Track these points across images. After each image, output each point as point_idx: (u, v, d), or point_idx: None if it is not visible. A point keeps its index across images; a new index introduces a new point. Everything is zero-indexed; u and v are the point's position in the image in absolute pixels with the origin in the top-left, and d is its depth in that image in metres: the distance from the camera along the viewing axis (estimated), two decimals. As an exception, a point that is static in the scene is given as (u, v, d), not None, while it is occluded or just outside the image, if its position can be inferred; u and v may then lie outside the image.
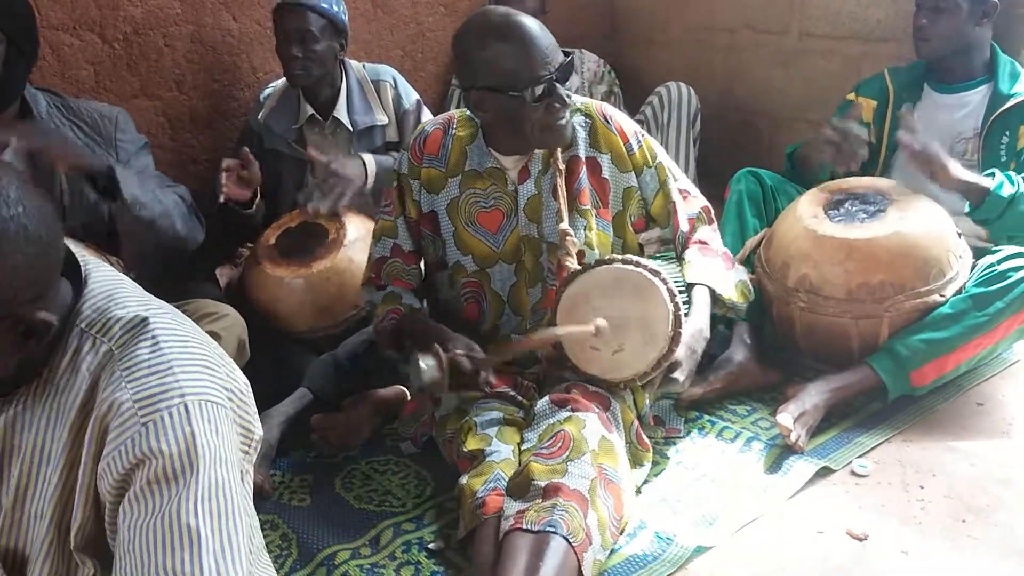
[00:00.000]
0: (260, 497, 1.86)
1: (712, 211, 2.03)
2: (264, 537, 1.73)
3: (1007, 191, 2.06)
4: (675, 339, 1.70)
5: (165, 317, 0.97)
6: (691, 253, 1.95)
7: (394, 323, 1.90)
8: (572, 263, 1.82)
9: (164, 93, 2.62)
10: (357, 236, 2.29)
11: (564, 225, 1.83)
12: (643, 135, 1.94)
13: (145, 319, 0.95)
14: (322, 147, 2.46)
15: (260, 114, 2.51)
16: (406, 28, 3.10)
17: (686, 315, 1.78)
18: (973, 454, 1.88)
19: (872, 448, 1.91)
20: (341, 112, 2.46)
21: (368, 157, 2.37)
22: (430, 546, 1.69)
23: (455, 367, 1.69)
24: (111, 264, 1.88)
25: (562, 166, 1.86)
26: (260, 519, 1.76)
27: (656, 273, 1.73)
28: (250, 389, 1.04)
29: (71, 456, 0.92)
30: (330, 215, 2.31)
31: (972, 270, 2.09)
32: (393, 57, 3.06)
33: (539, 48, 1.70)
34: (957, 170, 2.08)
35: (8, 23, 1.86)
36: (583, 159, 1.88)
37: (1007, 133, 2.25)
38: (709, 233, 2.00)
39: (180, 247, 2.11)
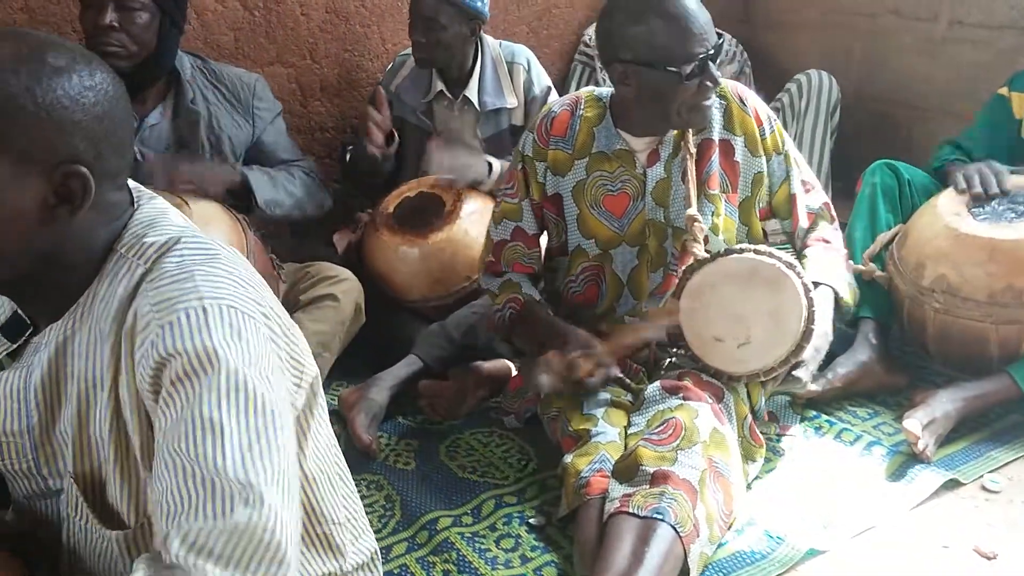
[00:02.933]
0: (368, 457, 1.91)
1: (832, 207, 1.94)
2: (370, 497, 1.79)
3: None
4: (806, 336, 1.62)
5: (199, 238, 0.97)
6: (814, 251, 1.86)
7: (513, 315, 1.89)
8: (699, 249, 1.76)
9: (298, 61, 2.70)
10: (474, 209, 2.30)
11: (692, 211, 1.78)
12: (776, 120, 1.86)
13: (178, 238, 0.95)
14: (449, 123, 2.48)
15: (393, 83, 2.54)
16: (533, 4, 3.09)
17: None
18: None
19: (1007, 463, 1.79)
20: (472, 91, 2.46)
21: (496, 163, 2.37)
22: (531, 521, 1.69)
23: (572, 369, 1.68)
24: (238, 221, 1.99)
25: (693, 149, 1.80)
26: (367, 478, 1.84)
27: (792, 266, 1.65)
28: (296, 329, 1.03)
29: (115, 376, 0.92)
30: (449, 188, 2.33)
31: None
32: (519, 33, 3.05)
33: (698, 24, 1.65)
34: None
35: None
36: (716, 142, 1.82)
37: None
38: (831, 232, 1.91)
39: (308, 221, 2.27)
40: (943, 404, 1.84)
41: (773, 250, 1.70)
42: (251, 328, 0.90)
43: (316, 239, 2.49)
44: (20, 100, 0.86)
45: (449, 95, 2.48)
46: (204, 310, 0.88)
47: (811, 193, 1.91)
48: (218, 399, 0.84)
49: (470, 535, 1.65)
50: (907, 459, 1.79)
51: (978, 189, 2.01)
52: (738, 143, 1.83)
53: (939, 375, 2.02)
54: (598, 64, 3.05)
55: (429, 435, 2.00)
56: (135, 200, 1.01)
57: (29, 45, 0.89)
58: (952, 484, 1.73)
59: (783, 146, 1.86)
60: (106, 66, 0.94)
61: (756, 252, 1.69)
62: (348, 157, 2.49)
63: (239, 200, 2.10)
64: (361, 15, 2.76)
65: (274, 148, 2.24)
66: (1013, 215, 1.93)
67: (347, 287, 2.11)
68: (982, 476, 1.75)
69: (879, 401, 2.02)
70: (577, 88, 3.07)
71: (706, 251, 1.77)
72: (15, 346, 1.02)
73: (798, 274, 1.65)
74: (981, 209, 1.98)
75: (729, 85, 1.85)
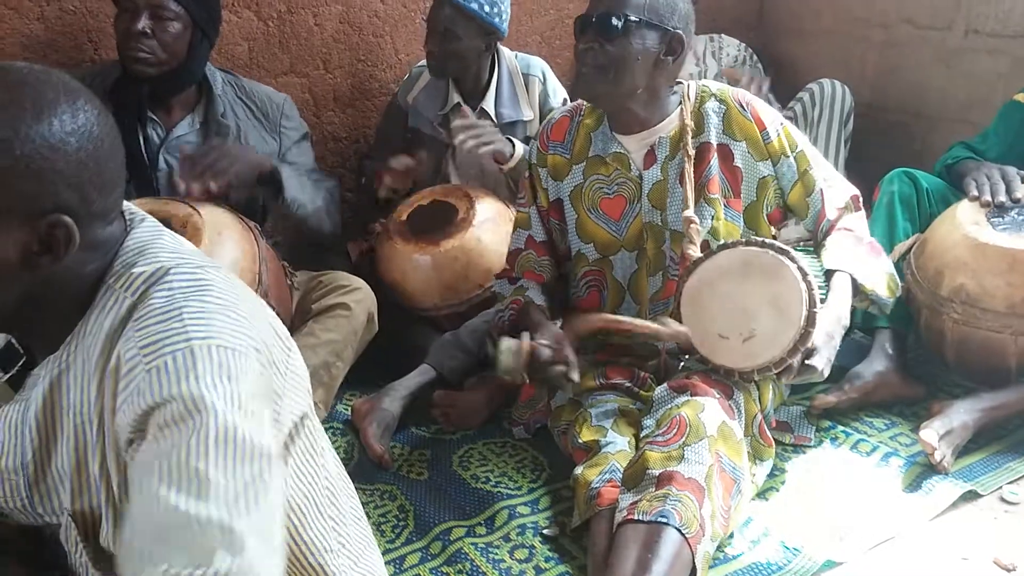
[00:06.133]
0: (381, 468, 1.90)
1: (860, 199, 1.90)
2: (383, 507, 1.78)
3: None
4: (810, 320, 1.59)
5: (189, 267, 0.92)
6: (833, 239, 1.82)
7: (512, 316, 1.89)
8: (695, 252, 1.75)
9: (311, 71, 2.71)
10: (487, 216, 2.29)
11: (689, 212, 1.76)
12: (783, 123, 1.84)
13: (167, 269, 0.91)
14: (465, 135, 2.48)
15: (409, 94, 2.55)
16: (545, 15, 3.09)
17: (822, 299, 1.68)
18: None
19: (1021, 474, 1.77)
20: (489, 103, 2.46)
21: (520, 144, 2.36)
22: (545, 532, 1.68)
23: (535, 357, 1.65)
24: (250, 230, 1.99)
25: (691, 152, 1.79)
26: (380, 488, 1.84)
27: (784, 252, 1.64)
28: (295, 357, 1.00)
29: (100, 413, 0.89)
30: (463, 186, 2.33)
31: None
32: (531, 44, 3.05)
33: None
34: None
35: (197, 9, 1.99)
36: (714, 145, 1.80)
37: None
38: (855, 220, 1.86)
39: (321, 239, 2.25)
40: (960, 415, 1.82)
41: (764, 239, 1.69)
42: (241, 366, 0.86)
43: (329, 248, 2.49)
44: None
45: (466, 107, 2.49)
46: (192, 352, 0.84)
47: (836, 188, 1.87)
48: (205, 449, 0.80)
49: (484, 545, 1.64)
50: (925, 470, 1.78)
51: (987, 197, 1.99)
52: (738, 148, 1.80)
53: (956, 385, 2.00)
54: None
55: (442, 445, 1.99)
56: (128, 224, 0.97)
57: (7, 87, 0.85)
58: (970, 495, 1.71)
59: (793, 148, 1.82)
60: (92, 100, 0.90)
61: (747, 243, 1.68)
62: (363, 178, 2.50)
63: (266, 188, 2.09)
64: (374, 25, 2.76)
65: (299, 167, 2.24)
66: (1034, 224, 1.92)
67: (360, 296, 2.10)
68: (1001, 488, 1.73)
69: (896, 411, 2.01)
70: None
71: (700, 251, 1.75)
72: (7, 376, 1.00)
73: (792, 259, 1.63)
74: (1001, 219, 1.96)
75: (730, 91, 1.83)
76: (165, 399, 0.82)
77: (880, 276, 1.80)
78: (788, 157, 1.82)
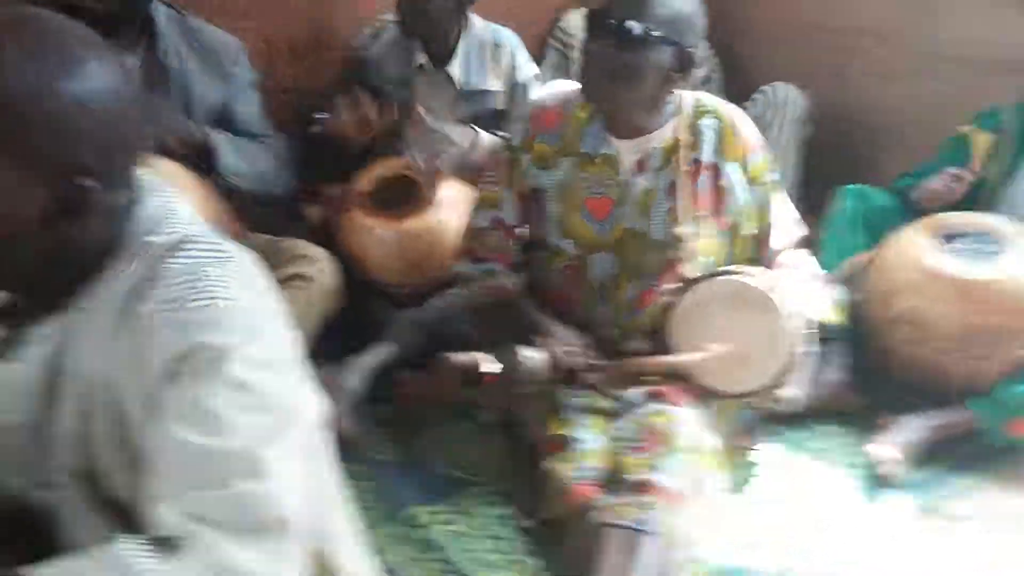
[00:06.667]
0: (346, 445, 1.84)
1: (809, 241, 1.98)
2: (346, 488, 1.73)
3: None
4: (791, 357, 1.66)
5: (208, 238, 0.93)
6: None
7: (494, 303, 1.86)
8: (688, 269, 1.77)
9: (268, 17, 2.55)
10: (452, 196, 2.24)
11: (683, 229, 1.78)
12: (766, 149, 1.87)
13: (184, 239, 0.91)
14: (428, 98, 2.40)
15: (372, 49, 2.44)
16: (511, -15, 3.01)
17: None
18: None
19: (967, 492, 1.90)
20: (455, 68, 2.39)
21: (484, 134, 2.31)
22: (513, 522, 1.70)
23: (560, 366, 1.67)
24: (205, 187, 1.87)
25: (685, 166, 1.79)
26: (342, 467, 1.78)
27: (775, 290, 1.69)
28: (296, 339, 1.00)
29: (119, 374, 0.88)
30: (426, 173, 2.26)
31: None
32: (496, 13, 2.96)
33: None
34: None
35: None
36: (705, 163, 1.80)
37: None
38: (801, 256, 1.92)
39: (270, 202, 2.16)
40: (908, 431, 1.95)
41: (758, 272, 1.74)
42: (268, 327, 0.88)
43: (280, 210, 2.36)
44: (24, 106, 0.80)
45: (431, 69, 2.40)
46: (218, 307, 0.85)
47: (787, 222, 1.91)
48: (228, 394, 0.82)
49: (451, 531, 1.65)
50: (874, 482, 1.88)
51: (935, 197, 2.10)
52: (728, 168, 1.81)
53: (901, 401, 2.10)
54: (572, 52, 3.02)
55: (405, 426, 1.97)
56: (141, 192, 0.95)
57: (31, 37, 0.82)
58: (917, 510, 1.82)
59: (768, 176, 1.86)
60: (113, 56, 0.87)
61: (743, 274, 1.72)
62: (316, 129, 2.37)
63: (200, 161, 1.97)
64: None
65: (245, 119, 2.11)
66: (983, 254, 2.04)
67: (322, 268, 2.01)
68: (944, 504, 1.85)
69: (845, 422, 2.11)
70: (551, 75, 3.03)
71: (692, 273, 1.77)
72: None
73: (782, 297, 1.68)
74: (953, 245, 2.07)
75: (726, 108, 1.84)
76: (192, 348, 0.83)
77: (828, 304, 1.89)
78: (762, 184, 1.84)
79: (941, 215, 2.19)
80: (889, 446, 1.87)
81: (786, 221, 1.92)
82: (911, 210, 2.31)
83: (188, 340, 0.83)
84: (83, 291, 0.91)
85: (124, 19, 1.90)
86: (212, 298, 0.85)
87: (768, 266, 1.89)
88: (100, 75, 0.83)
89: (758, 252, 1.90)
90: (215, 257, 0.90)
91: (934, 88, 2.87)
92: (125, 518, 0.91)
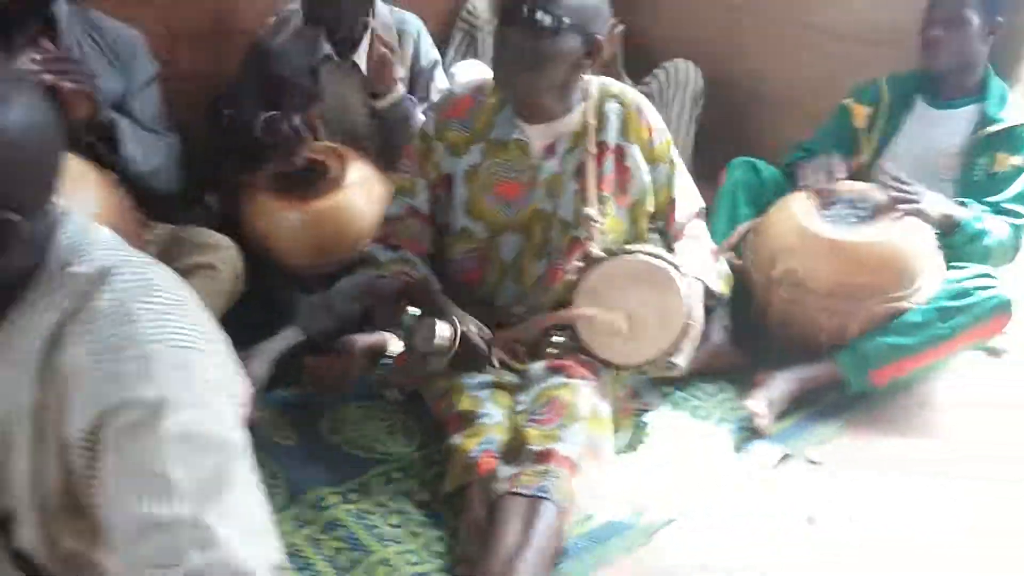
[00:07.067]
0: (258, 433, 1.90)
1: (706, 211, 2.12)
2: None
3: (976, 227, 2.20)
4: (686, 330, 1.79)
5: (131, 266, 0.92)
6: (685, 246, 2.02)
7: (403, 286, 1.91)
8: (595, 249, 1.87)
9: (170, 3, 2.53)
10: (358, 179, 2.27)
11: (590, 210, 1.87)
12: (666, 133, 1.98)
13: (107, 270, 0.90)
14: (335, 88, 2.42)
15: (276, 38, 2.44)
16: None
17: None
18: (913, 450, 2.06)
19: (828, 439, 2.07)
20: (361, 57, 2.40)
21: (400, 87, 2.33)
22: (418, 497, 1.76)
23: (463, 343, 1.76)
24: (109, 180, 1.89)
25: (593, 149, 1.88)
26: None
27: (676, 267, 1.82)
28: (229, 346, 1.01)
29: (38, 414, 0.88)
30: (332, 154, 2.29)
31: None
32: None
33: None
34: (933, 209, 2.19)
35: None
36: (611, 146, 1.91)
37: (987, 156, 2.34)
38: (701, 228, 2.08)
39: (159, 197, 2.14)
40: (780, 385, 2.10)
41: (660, 251, 1.86)
42: (198, 362, 0.88)
43: (185, 199, 2.38)
44: None
45: (337, 59, 2.43)
46: (146, 355, 0.85)
47: (688, 197, 2.05)
48: (167, 451, 0.82)
49: (357, 511, 1.71)
50: (749, 434, 2.03)
51: (814, 185, 2.24)
52: (632, 150, 1.92)
53: (778, 357, 2.24)
54: (479, 33, 3.07)
55: (310, 409, 2.02)
56: (58, 218, 0.94)
57: None
58: (784, 457, 1.98)
59: (669, 156, 1.98)
60: (35, 88, 0.88)
61: (645, 253, 1.84)
62: (225, 121, 2.38)
63: (103, 147, 1.97)
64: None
65: (142, 114, 2.10)
66: (855, 219, 2.19)
67: (226, 255, 2.05)
68: (807, 450, 2.01)
69: (727, 380, 2.25)
70: (458, 56, 3.08)
71: (598, 251, 1.87)
72: None
73: (682, 275, 1.81)
74: (827, 211, 2.21)
75: (630, 94, 1.94)
76: (123, 403, 0.83)
77: (721, 277, 2.03)
78: (664, 164, 1.96)
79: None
80: (762, 400, 2.02)
81: (688, 195, 2.05)
82: (796, 181, 2.44)
83: (121, 395, 0.83)
84: (3, 322, 0.89)
85: (25, 13, 1.88)
86: (141, 343, 0.85)
87: (675, 239, 2.03)
88: (17, 107, 0.83)
89: (665, 227, 2.04)
90: (139, 287, 0.89)
91: (817, 63, 3.01)
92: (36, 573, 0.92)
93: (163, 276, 0.95)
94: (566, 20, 1.71)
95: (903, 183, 2.20)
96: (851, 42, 2.92)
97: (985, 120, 2.35)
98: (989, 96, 2.38)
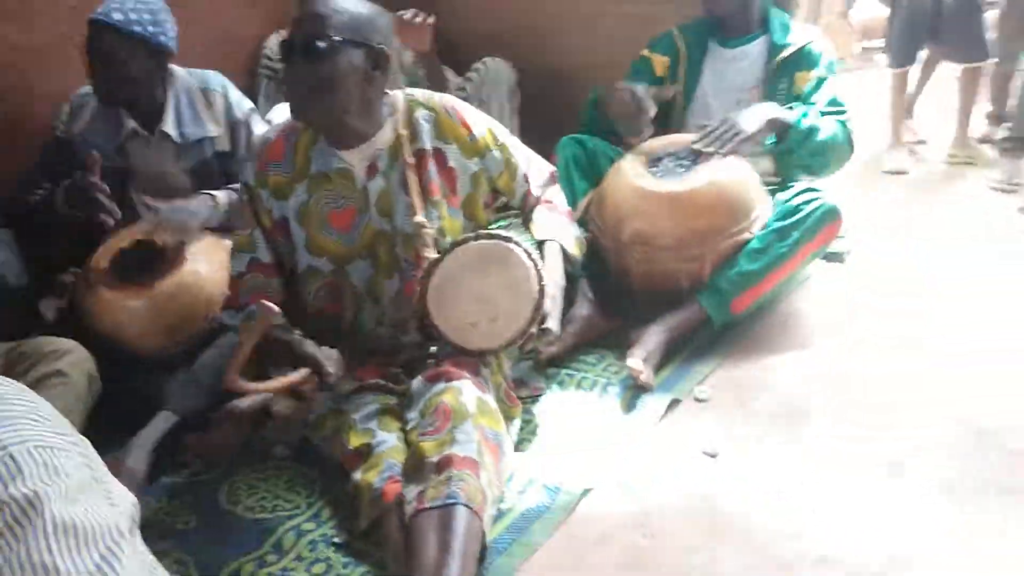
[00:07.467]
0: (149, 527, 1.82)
1: (556, 174, 2.20)
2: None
3: (805, 124, 2.36)
4: (541, 292, 1.83)
5: None
6: (539, 213, 2.10)
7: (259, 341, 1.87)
8: (431, 253, 1.89)
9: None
10: (199, 247, 2.22)
11: (419, 218, 1.90)
12: (489, 123, 2.03)
13: None
14: (146, 160, 2.35)
15: (75, 126, 2.36)
16: (206, 24, 2.98)
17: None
18: (787, 364, 2.21)
19: (708, 375, 2.18)
20: (168, 125, 2.35)
21: (221, 194, 2.30)
22: (335, 540, 1.73)
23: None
24: None
25: (411, 160, 1.91)
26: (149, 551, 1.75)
27: (508, 239, 1.86)
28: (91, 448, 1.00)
29: None
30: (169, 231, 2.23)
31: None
32: (193, 55, 2.92)
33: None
34: (756, 123, 2.32)
35: None
36: (430, 151, 1.94)
37: (785, 80, 2.54)
38: (554, 194, 2.16)
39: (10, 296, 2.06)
40: (654, 337, 2.19)
41: (491, 231, 1.89)
42: (63, 461, 0.87)
43: (11, 313, 2.24)
44: None
45: (144, 132, 2.36)
46: (11, 456, 0.84)
47: (534, 168, 2.13)
48: (48, 543, 0.82)
49: (279, 572, 1.66)
50: (635, 391, 2.11)
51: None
52: (450, 150, 1.96)
53: (646, 313, 2.33)
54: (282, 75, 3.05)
55: (203, 487, 1.95)
56: None
57: None
58: (673, 403, 2.07)
59: (498, 140, 2.03)
60: None
61: (476, 237, 1.87)
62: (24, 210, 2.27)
63: None
64: (15, 57, 2.50)
65: None
66: (682, 170, 2.32)
67: (74, 359, 1.94)
68: (692, 390, 2.11)
69: (603, 346, 2.33)
70: (268, 102, 3.05)
71: (437, 252, 1.90)
72: None
73: (517, 243, 1.85)
74: (657, 168, 2.33)
75: (436, 98, 1.98)
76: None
77: (576, 240, 2.10)
78: (493, 150, 2.01)
79: (645, 143, 2.44)
80: (640, 357, 2.10)
81: (535, 164, 2.13)
82: (620, 144, 2.55)
83: None
84: None
85: None
86: (6, 448, 0.83)
87: (534, 206, 2.10)
88: None
89: (523, 202, 2.10)
90: None
91: (616, 28, 3.16)
92: None
93: (9, 389, 0.92)
94: (338, 39, 1.75)
95: (711, 130, 2.33)
96: (645, 3, 3.08)
97: (775, 49, 2.54)
98: (772, 27, 2.57)
